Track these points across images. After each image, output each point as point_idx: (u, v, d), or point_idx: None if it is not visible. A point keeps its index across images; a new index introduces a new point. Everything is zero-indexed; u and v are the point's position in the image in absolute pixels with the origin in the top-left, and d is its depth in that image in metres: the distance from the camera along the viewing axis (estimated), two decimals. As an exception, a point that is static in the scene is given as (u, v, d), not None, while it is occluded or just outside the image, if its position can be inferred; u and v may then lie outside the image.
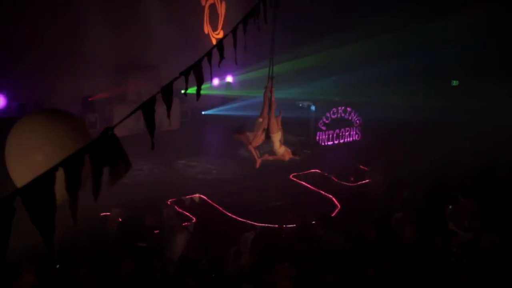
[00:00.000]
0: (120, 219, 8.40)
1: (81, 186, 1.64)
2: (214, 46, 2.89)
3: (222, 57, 2.97)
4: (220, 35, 17.24)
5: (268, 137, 7.95)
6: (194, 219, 9.51)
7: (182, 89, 2.66)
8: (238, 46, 3.43)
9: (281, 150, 8.07)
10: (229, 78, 18.30)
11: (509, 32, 15.30)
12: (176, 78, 2.34)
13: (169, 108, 2.34)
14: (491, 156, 11.86)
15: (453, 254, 6.95)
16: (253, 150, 8.06)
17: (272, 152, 8.17)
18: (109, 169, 1.78)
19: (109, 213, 8.64)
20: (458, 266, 6.79)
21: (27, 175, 2.75)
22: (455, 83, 17.97)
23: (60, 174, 1.56)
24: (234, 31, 3.24)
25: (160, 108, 2.23)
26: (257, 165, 8.08)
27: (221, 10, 17.82)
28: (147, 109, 1.96)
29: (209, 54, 2.83)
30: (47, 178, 1.49)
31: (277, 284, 6.19)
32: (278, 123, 8.03)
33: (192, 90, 2.65)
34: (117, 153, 1.74)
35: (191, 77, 2.64)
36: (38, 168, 2.65)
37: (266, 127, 7.85)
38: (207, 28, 17.53)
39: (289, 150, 8.21)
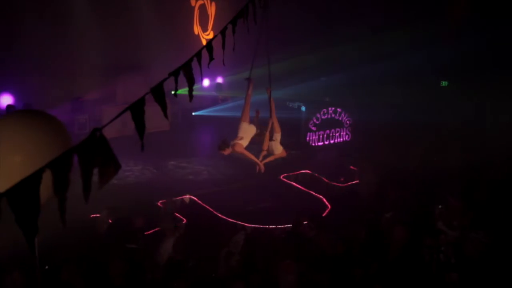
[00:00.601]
0: (110, 221, 8.37)
1: (68, 188, 1.62)
2: (204, 46, 2.89)
3: (211, 58, 2.96)
4: (210, 36, 17.23)
5: (271, 138, 8.09)
6: (185, 220, 9.49)
7: (171, 90, 2.65)
8: (228, 47, 3.42)
9: (280, 149, 8.21)
10: (220, 79, 18.29)
11: (498, 33, 15.42)
12: (165, 79, 2.33)
13: (164, 109, 2.33)
14: (481, 156, 11.95)
15: (442, 252, 6.99)
16: (253, 156, 8.12)
17: (268, 153, 8.26)
18: (98, 171, 1.77)
19: (98, 215, 8.60)
20: (447, 265, 6.83)
21: (4, 176, 2.71)
22: (444, 83, 18.08)
23: (44, 175, 1.55)
24: (223, 32, 3.23)
25: (150, 109, 2.22)
26: (262, 169, 8.14)
27: (211, 10, 17.81)
28: (136, 110, 1.96)
29: (198, 55, 2.82)
30: (33, 179, 1.49)
31: (281, 280, 6.17)
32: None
33: (181, 91, 2.65)
34: (106, 154, 1.73)
35: (181, 78, 2.63)
36: (16, 169, 2.61)
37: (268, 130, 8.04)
38: (197, 29, 17.51)
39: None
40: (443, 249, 7.04)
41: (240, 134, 7.88)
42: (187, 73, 2.55)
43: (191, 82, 2.64)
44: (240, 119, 8.05)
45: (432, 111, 15.51)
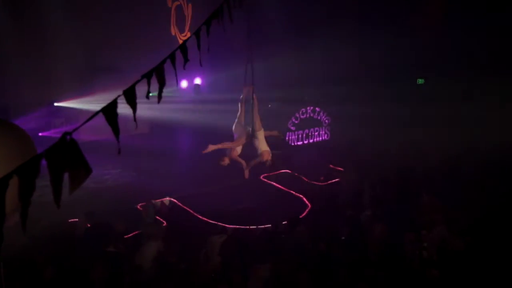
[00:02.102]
0: (89, 225, 8.28)
1: (33, 193, 1.59)
2: (177, 48, 2.86)
3: (186, 59, 2.93)
4: (188, 37, 17.12)
5: (253, 135, 8.07)
6: (165, 223, 9.44)
7: (152, 92, 2.62)
8: (203, 48, 3.39)
9: (265, 147, 8.20)
10: (198, 80, 18.21)
11: (472, 29, 15.63)
12: (138, 81, 2.30)
13: (134, 111, 2.29)
14: (457, 154, 12.13)
15: (425, 249, 7.08)
16: (239, 159, 8.16)
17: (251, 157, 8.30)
18: (69, 175, 1.73)
19: (77, 219, 8.51)
20: (429, 261, 6.92)
21: None
22: (420, 81, 18.27)
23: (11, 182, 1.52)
24: (197, 33, 3.20)
25: (128, 112, 2.19)
26: (246, 175, 8.20)
27: (188, 11, 17.73)
28: (109, 113, 1.93)
29: (172, 56, 2.79)
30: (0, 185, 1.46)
31: (249, 285, 6.20)
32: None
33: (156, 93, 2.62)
34: (76, 158, 1.70)
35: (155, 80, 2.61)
36: None
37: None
38: (174, 30, 17.41)
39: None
40: (425, 245, 7.13)
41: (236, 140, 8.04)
42: (159, 75, 2.52)
43: (161, 83, 2.61)
44: (236, 124, 8.13)
45: (410, 108, 15.64)
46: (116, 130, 1.99)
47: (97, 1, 14.35)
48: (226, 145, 8.06)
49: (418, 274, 6.70)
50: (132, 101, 2.22)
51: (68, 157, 1.68)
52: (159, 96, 2.47)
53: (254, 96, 8.06)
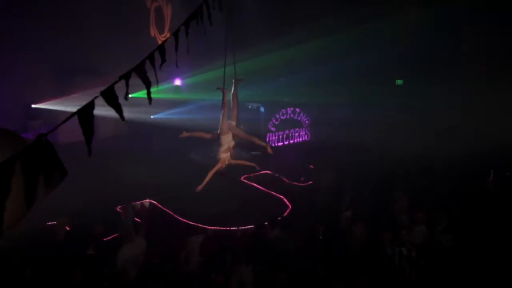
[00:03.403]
0: (68, 228, 8.17)
1: (8, 196, 1.56)
2: (155, 49, 2.84)
3: (164, 60, 2.91)
4: (167, 38, 17.01)
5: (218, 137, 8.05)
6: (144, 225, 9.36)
7: (131, 94, 2.60)
8: (183, 49, 3.38)
9: (224, 155, 8.14)
10: (177, 81, 18.13)
11: (450, 31, 15.86)
12: (115, 82, 2.28)
13: (119, 111, 2.28)
14: (432, 153, 12.30)
15: (404, 246, 7.15)
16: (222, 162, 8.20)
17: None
18: (44, 178, 1.71)
19: (55, 222, 8.39)
20: (408, 260, 6.99)
21: None
22: (399, 82, 18.45)
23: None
24: (176, 34, 3.19)
25: (106, 114, 2.17)
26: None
27: (167, 12, 17.64)
28: (83, 115, 1.91)
29: (150, 57, 2.78)
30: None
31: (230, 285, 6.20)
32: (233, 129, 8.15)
33: (139, 94, 2.61)
34: (51, 160, 1.68)
35: (137, 81, 2.59)
36: None
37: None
38: (153, 31, 17.31)
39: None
40: (405, 244, 7.20)
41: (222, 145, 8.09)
42: (142, 76, 2.50)
43: (147, 84, 2.59)
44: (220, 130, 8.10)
45: (388, 109, 15.80)
46: (88, 132, 1.97)
47: (76, 2, 14.19)
48: (197, 134, 8.14)
49: (397, 272, 6.77)
50: (114, 102, 2.20)
51: (43, 159, 1.66)
52: (149, 97, 2.46)
53: (225, 100, 8.04)
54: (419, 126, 14.79)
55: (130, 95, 2.70)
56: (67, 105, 14.28)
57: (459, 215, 8.36)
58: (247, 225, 8.97)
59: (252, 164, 8.69)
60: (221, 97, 8.11)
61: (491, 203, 9.09)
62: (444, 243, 7.51)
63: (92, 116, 1.94)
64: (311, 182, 12.32)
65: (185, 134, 8.03)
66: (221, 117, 7.99)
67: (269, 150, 8.44)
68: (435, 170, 11.36)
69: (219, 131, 8.01)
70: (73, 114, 1.91)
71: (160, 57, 2.86)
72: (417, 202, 8.85)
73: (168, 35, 17.19)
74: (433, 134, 13.67)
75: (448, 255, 7.11)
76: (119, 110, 2.25)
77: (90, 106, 1.97)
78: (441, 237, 7.71)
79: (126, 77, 2.38)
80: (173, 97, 17.45)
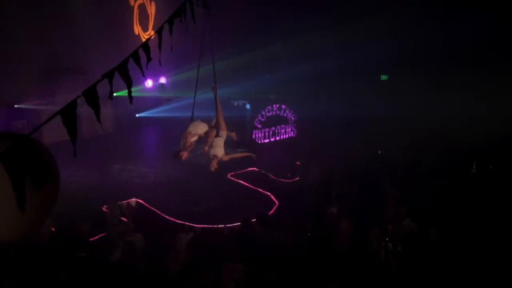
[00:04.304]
0: (53, 229, 8.09)
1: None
2: (139, 47, 2.82)
3: (149, 58, 2.90)
4: (151, 36, 16.89)
5: (217, 134, 8.12)
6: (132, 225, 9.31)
7: (116, 92, 2.58)
8: (166, 47, 3.37)
9: (219, 150, 8.20)
10: (162, 79, 18.03)
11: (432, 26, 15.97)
12: (98, 81, 2.25)
13: (97, 113, 2.25)
14: (418, 148, 12.39)
15: (390, 241, 7.20)
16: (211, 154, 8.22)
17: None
18: (29, 178, 1.68)
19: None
20: (394, 252, 7.05)
21: None
22: (384, 77, 18.53)
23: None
24: (159, 32, 3.17)
25: (91, 113, 2.14)
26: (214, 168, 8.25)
27: (151, 10, 17.53)
28: (66, 115, 1.88)
29: (135, 55, 2.75)
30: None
31: (222, 284, 6.19)
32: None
33: (121, 93, 2.58)
34: (35, 160, 1.66)
35: (120, 80, 2.57)
36: None
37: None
38: (137, 29, 17.18)
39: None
40: (390, 239, 7.26)
41: (190, 128, 8.09)
42: (124, 75, 2.48)
43: (129, 83, 2.57)
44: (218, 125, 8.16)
45: (374, 105, 15.86)
46: (73, 132, 1.95)
47: (59, 1, 14.04)
48: (192, 138, 8.19)
49: (383, 267, 6.82)
50: (93, 102, 2.18)
51: (27, 160, 1.63)
52: (130, 96, 2.43)
53: (217, 97, 8.10)
54: (405, 120, 14.88)
55: (114, 94, 2.68)
56: (50, 105, 14.14)
57: (445, 208, 8.45)
58: (234, 223, 8.96)
59: (248, 153, 8.78)
60: (211, 95, 8.18)
61: (475, 196, 9.22)
62: (429, 237, 7.58)
63: (75, 115, 1.92)
64: (297, 178, 12.35)
65: (185, 154, 8.00)
66: (217, 114, 8.05)
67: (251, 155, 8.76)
68: (421, 164, 11.46)
69: (218, 127, 8.09)
70: (55, 114, 1.89)
71: (145, 55, 2.84)
72: (404, 196, 8.92)
73: (152, 33, 17.11)
74: (418, 129, 13.76)
75: (434, 248, 7.17)
76: (97, 111, 2.22)
77: (73, 105, 1.94)
78: (426, 231, 7.77)
79: (109, 75, 2.36)
80: (159, 95, 17.40)
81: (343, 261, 6.73)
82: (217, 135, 8.22)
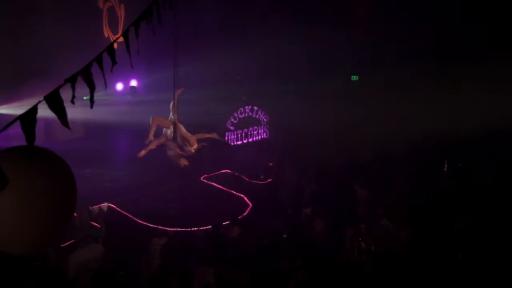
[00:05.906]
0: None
1: None
2: (103, 50, 2.78)
3: (114, 62, 2.85)
4: (122, 39, 16.68)
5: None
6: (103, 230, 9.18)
7: (85, 96, 2.53)
8: (134, 50, 3.33)
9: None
10: (134, 82, 17.80)
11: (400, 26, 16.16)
12: (61, 85, 2.21)
13: (61, 117, 2.20)
14: (388, 147, 12.54)
15: (363, 240, 7.28)
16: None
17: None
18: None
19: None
20: (367, 251, 7.12)
21: None
22: (354, 78, 18.63)
23: None
24: (125, 34, 3.13)
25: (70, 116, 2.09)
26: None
27: (121, 12, 17.32)
28: (26, 120, 1.85)
29: (99, 59, 2.71)
30: None
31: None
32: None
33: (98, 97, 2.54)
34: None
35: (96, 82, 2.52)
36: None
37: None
38: (107, 32, 16.96)
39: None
40: (363, 239, 7.33)
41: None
42: (87, 79, 2.44)
43: (91, 88, 2.53)
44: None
45: (345, 105, 15.95)
46: (30, 137, 1.90)
47: (26, 2, 13.76)
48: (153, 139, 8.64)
49: (356, 267, 6.88)
50: (57, 107, 2.13)
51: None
52: (91, 101, 2.39)
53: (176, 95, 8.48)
54: (376, 120, 15.01)
55: (84, 97, 2.63)
56: (15, 109, 13.82)
57: (418, 207, 8.56)
58: (207, 226, 8.93)
59: (212, 134, 8.89)
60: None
61: (447, 195, 9.37)
62: (402, 235, 7.68)
63: (34, 121, 1.88)
64: (270, 179, 12.37)
65: (142, 152, 8.48)
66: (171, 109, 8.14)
67: (217, 136, 9.16)
68: (393, 163, 11.59)
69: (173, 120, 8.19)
70: (15, 119, 1.85)
71: (110, 58, 2.80)
72: (377, 195, 9.01)
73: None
74: (389, 128, 13.88)
75: (407, 248, 7.27)
76: (62, 116, 2.17)
77: (33, 111, 1.90)
78: (400, 229, 7.87)
79: (71, 80, 2.31)
80: (129, 98, 17.17)
81: (316, 261, 6.76)
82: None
